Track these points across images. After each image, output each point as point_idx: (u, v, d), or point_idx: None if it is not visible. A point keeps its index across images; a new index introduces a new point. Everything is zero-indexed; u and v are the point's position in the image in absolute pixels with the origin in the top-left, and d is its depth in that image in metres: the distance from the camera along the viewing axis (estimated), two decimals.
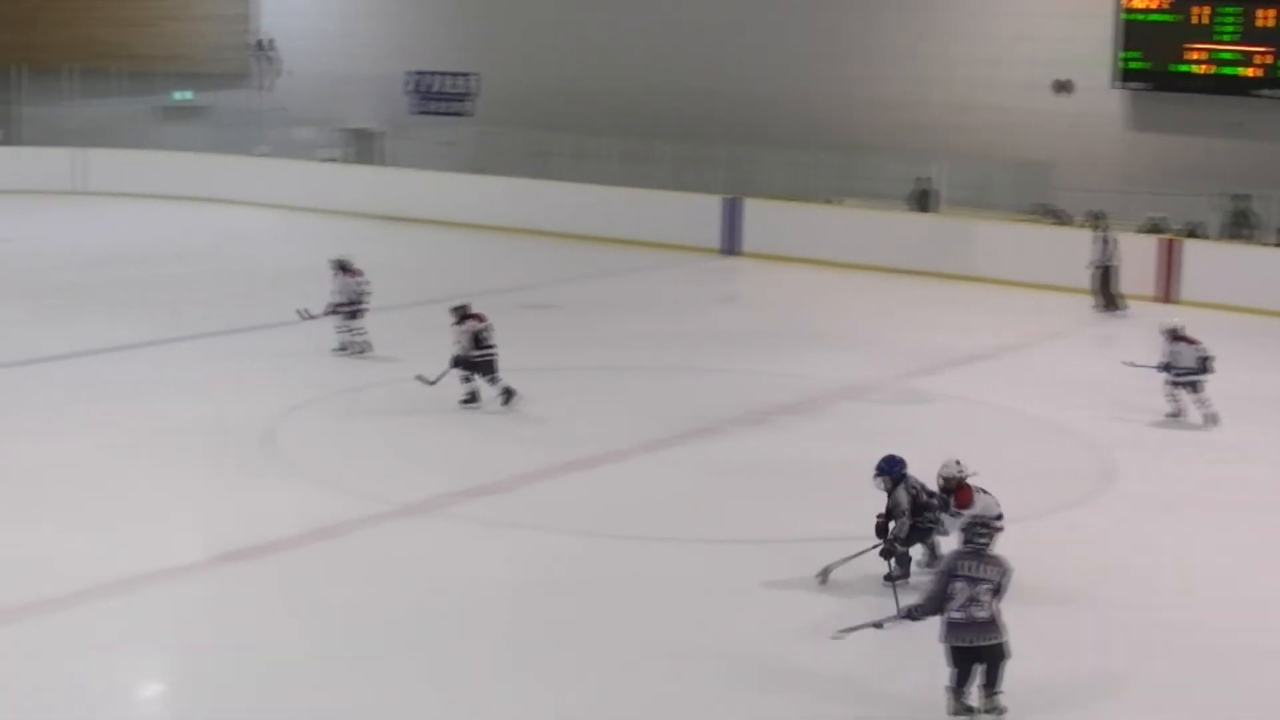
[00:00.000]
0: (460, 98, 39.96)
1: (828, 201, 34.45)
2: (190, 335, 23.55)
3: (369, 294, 22.96)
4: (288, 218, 37.62)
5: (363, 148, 40.94)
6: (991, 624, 11.05)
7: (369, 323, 23.04)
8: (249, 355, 22.74)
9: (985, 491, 13.94)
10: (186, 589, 13.93)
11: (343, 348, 22.85)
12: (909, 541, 13.96)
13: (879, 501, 13.89)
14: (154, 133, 42.03)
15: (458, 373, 20.01)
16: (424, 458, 18.11)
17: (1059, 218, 31.99)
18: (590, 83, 38.32)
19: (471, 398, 20.02)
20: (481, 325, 20.04)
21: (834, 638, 12.23)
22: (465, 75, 39.68)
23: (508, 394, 20.04)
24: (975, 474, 14.08)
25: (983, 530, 11.32)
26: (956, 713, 11.13)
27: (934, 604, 11.19)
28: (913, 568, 14.01)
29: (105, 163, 40.91)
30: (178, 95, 42.85)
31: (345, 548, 14.93)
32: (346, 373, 21.98)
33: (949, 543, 13.38)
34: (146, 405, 19.97)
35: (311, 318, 22.89)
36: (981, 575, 11.08)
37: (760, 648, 12.48)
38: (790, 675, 12.00)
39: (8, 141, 42.05)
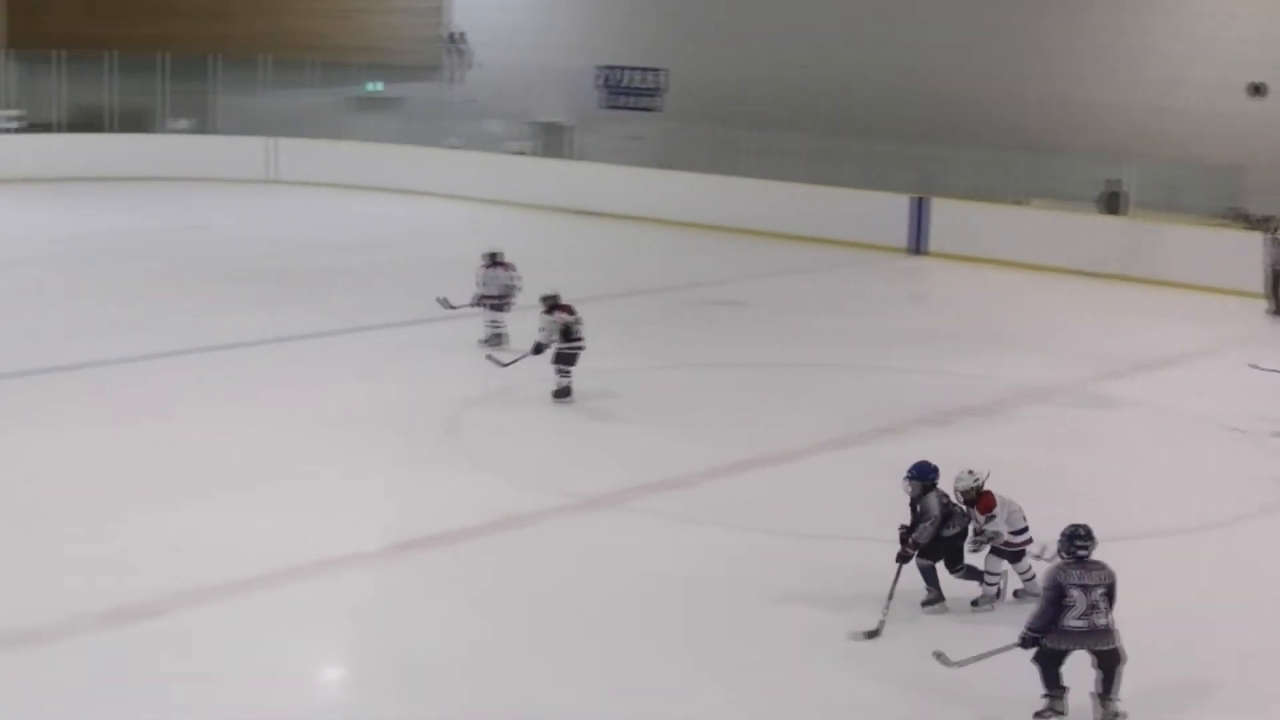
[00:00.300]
0: (650, 93, 40.15)
1: (1016, 202, 34.18)
2: (377, 324, 23.92)
3: (519, 289, 22.98)
4: (476, 210, 38.04)
5: (552, 141, 41.26)
6: (1109, 630, 11.13)
7: (511, 317, 23.03)
8: (435, 345, 23.02)
9: (1009, 501, 13.62)
10: (368, 576, 14.18)
11: (487, 340, 22.91)
12: (932, 554, 13.51)
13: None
14: (345, 123, 42.69)
15: (553, 366, 20.07)
16: (606, 451, 18.25)
17: (1250, 222, 31.47)
18: (780, 78, 38.31)
19: (565, 392, 20.08)
20: (571, 318, 20.04)
21: (942, 662, 11.90)
22: (655, 70, 39.86)
23: (565, 392, 20.03)
24: (986, 477, 13.58)
25: (1082, 541, 11.31)
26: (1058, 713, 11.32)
27: (1047, 621, 11.20)
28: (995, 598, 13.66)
29: (297, 152, 41.66)
30: (370, 86, 43.46)
31: (525, 539, 15.08)
32: (534, 365, 22.20)
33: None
34: (331, 392, 20.33)
35: (452, 308, 23.03)
36: (1093, 582, 11.15)
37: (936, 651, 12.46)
38: (958, 685, 11.96)
39: (203, 130, 42.94)
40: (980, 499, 13.56)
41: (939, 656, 11.89)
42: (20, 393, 20.25)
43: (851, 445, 18.69)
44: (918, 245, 33.84)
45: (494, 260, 23.16)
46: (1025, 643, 11.33)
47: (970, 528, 13.55)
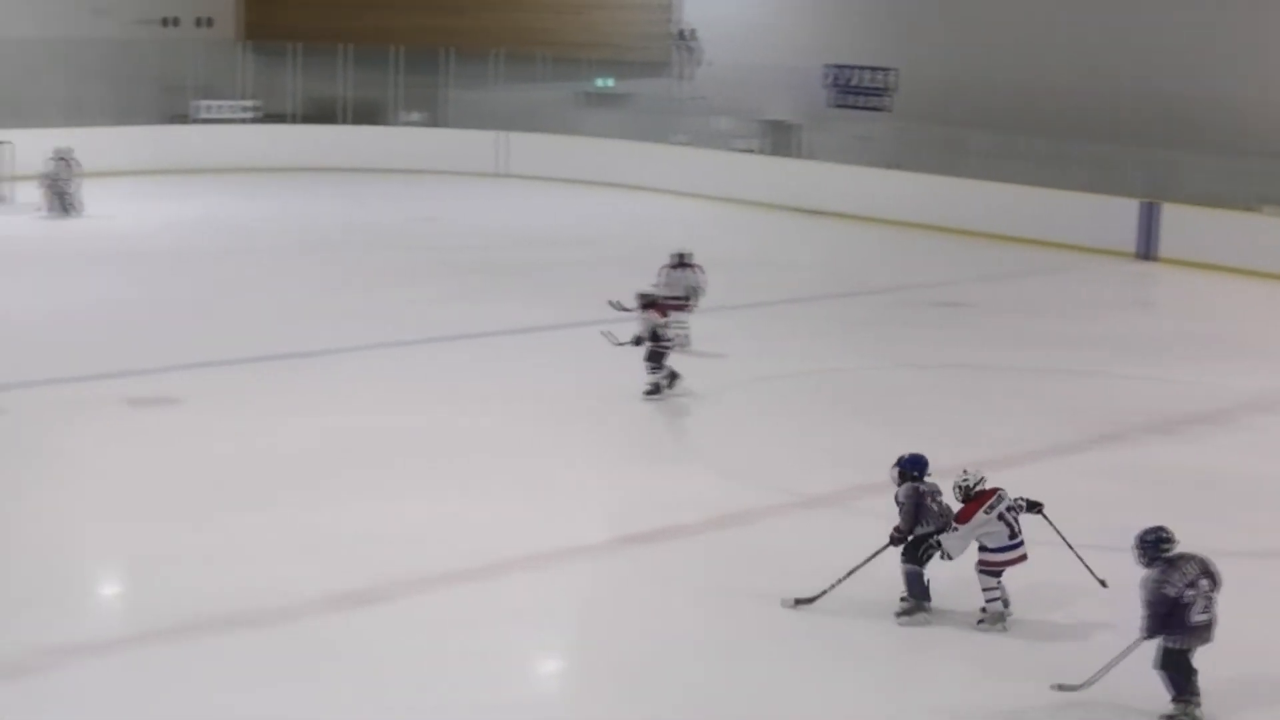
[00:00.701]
0: (878, 92, 40.10)
1: (1249, 208, 33.62)
2: (599, 319, 24.24)
3: (704, 290, 22.87)
4: (703, 207, 38.28)
5: (780, 139, 41.38)
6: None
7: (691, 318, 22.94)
8: None
9: (1004, 517, 13.17)
10: (588, 568, 14.47)
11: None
12: (913, 556, 13.37)
13: None
14: (575, 118, 43.16)
15: (646, 363, 20.20)
16: (825, 450, 18.39)
17: None
18: (1009, 80, 38.06)
19: (655, 389, 20.21)
20: (661, 320, 20.23)
21: (1066, 689, 11.87)
22: (884, 70, 39.81)
23: (655, 389, 20.15)
24: (978, 482, 13.32)
25: (1166, 544, 11.51)
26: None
27: (1161, 622, 11.34)
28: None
29: (526, 146, 42.23)
30: (600, 82, 43.91)
31: (745, 536, 15.28)
32: (761, 362, 22.39)
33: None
34: (552, 385, 20.71)
35: (626, 310, 22.97)
36: (1195, 573, 11.38)
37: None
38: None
39: (434, 123, 43.70)
40: (966, 504, 13.28)
41: (1061, 688, 11.84)
42: (252, 378, 20.91)
43: (1077, 451, 18.62)
44: (1147, 250, 33.45)
45: (681, 260, 23.01)
46: (1149, 633, 11.40)
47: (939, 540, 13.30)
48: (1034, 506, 13.40)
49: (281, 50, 43.92)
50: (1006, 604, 13.27)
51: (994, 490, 13.29)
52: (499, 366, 21.47)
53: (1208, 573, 11.40)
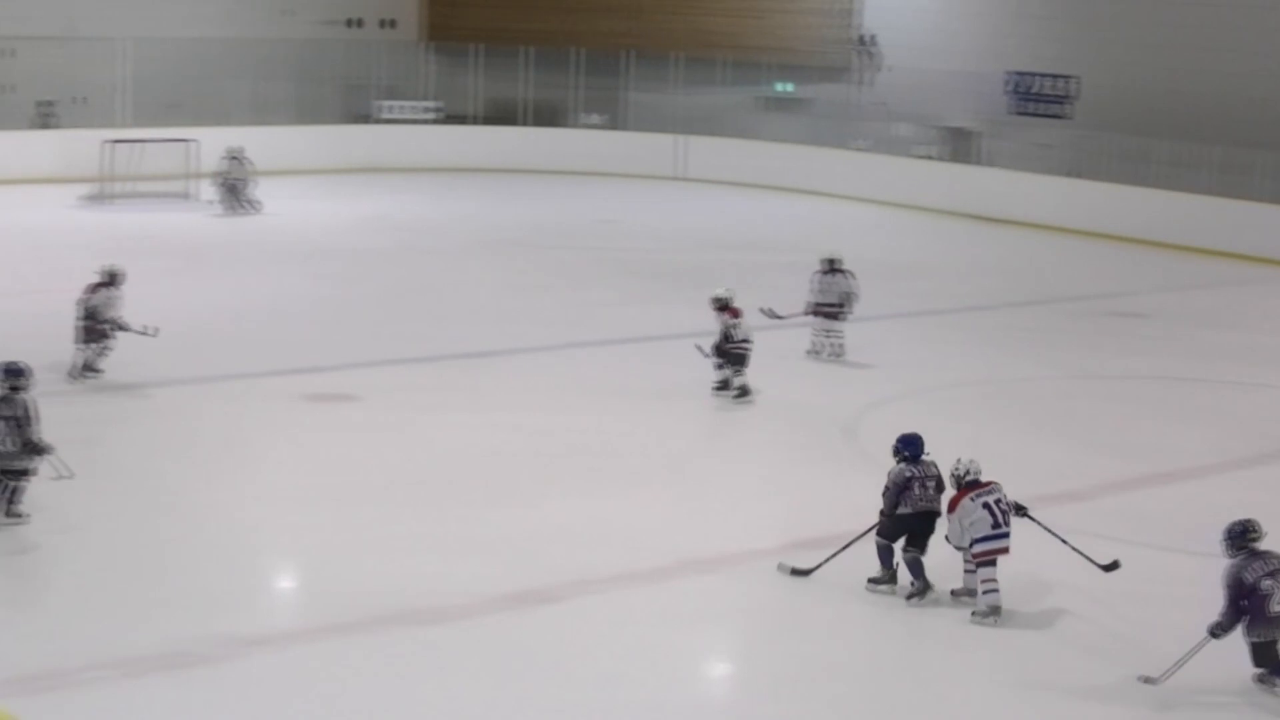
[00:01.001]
0: (1059, 100, 39.71)
1: None
2: (777, 325, 24.27)
3: (858, 296, 22.71)
4: (881, 213, 38.18)
5: (959, 146, 41.14)
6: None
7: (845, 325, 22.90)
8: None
9: (990, 507, 13.47)
10: (762, 573, 14.56)
11: (815, 349, 22.74)
12: (889, 534, 13.78)
13: None
14: (754, 123, 43.21)
15: (712, 360, 20.39)
16: (1001, 459, 18.25)
17: None
18: (1193, 87, 37.54)
19: (723, 385, 20.33)
20: (734, 322, 20.31)
21: (1145, 680, 12.14)
22: (1065, 78, 39.42)
23: (743, 391, 20.24)
24: (966, 473, 13.66)
25: (1253, 534, 11.97)
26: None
27: (1237, 611, 11.74)
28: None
29: (705, 150, 42.35)
30: (779, 87, 43.92)
31: None
32: (934, 370, 22.35)
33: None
34: (705, 385, 20.79)
35: (778, 317, 22.80)
36: (1277, 566, 11.79)
37: None
38: None
39: (614, 126, 43.95)
40: (957, 492, 13.63)
41: (1146, 680, 12.11)
42: (429, 377, 21.25)
43: (1251, 465, 18.44)
44: None
45: (832, 267, 22.78)
46: (1215, 633, 11.79)
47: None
48: (1020, 510, 13.76)
49: (463, 52, 44.44)
50: (998, 608, 13.41)
51: (988, 483, 13.61)
52: (676, 370, 21.60)
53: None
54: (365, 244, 30.93)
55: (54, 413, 16.04)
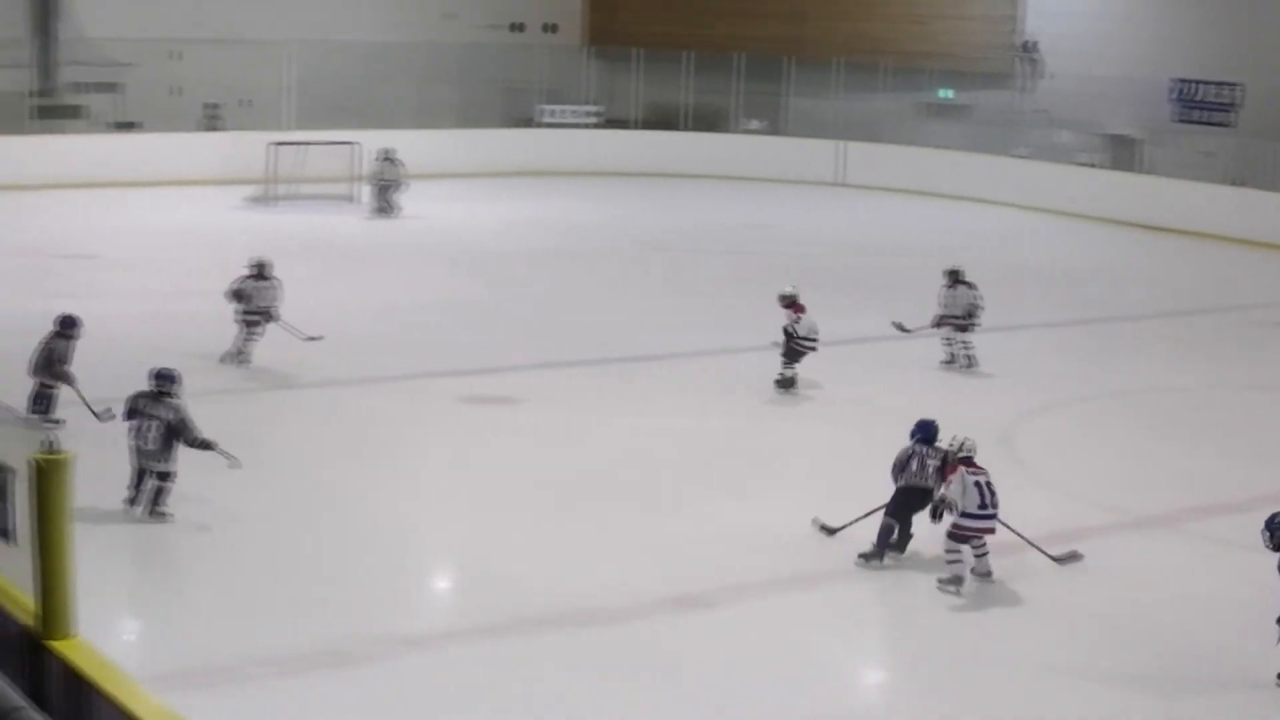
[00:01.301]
0: (1224, 108, 39.20)
1: None
2: (932, 332, 24.21)
3: (982, 308, 22.48)
4: (1042, 220, 37.89)
5: (1120, 154, 40.74)
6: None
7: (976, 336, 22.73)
8: (993, 354, 23.22)
9: (980, 486, 14.12)
10: (914, 580, 14.55)
11: (950, 360, 22.64)
12: (897, 509, 14.61)
13: None
14: (914, 129, 43.07)
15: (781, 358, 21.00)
16: (1159, 469, 18.19)
17: None
18: None
19: (787, 382, 20.90)
20: (796, 318, 20.90)
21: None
22: (1230, 85, 38.91)
23: (787, 383, 20.88)
24: (959, 449, 14.31)
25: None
26: None
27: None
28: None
29: (866, 156, 42.28)
30: (941, 94, 43.75)
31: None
32: (1093, 380, 22.18)
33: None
34: (876, 394, 20.87)
35: (906, 331, 22.69)
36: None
37: None
38: None
39: (774, 131, 44.02)
40: (947, 467, 14.31)
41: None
42: (587, 379, 21.42)
43: None
44: None
45: (956, 279, 22.66)
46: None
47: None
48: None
49: (624, 56, 44.70)
50: (962, 578, 14.07)
51: (981, 467, 14.27)
52: (832, 374, 21.60)
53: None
54: (524, 247, 31.20)
55: (215, 410, 16.41)
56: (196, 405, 15.71)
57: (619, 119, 44.39)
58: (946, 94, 43.59)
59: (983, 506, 14.07)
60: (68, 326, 17.82)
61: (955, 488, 14.11)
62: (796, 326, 20.77)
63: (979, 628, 13.49)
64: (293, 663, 12.17)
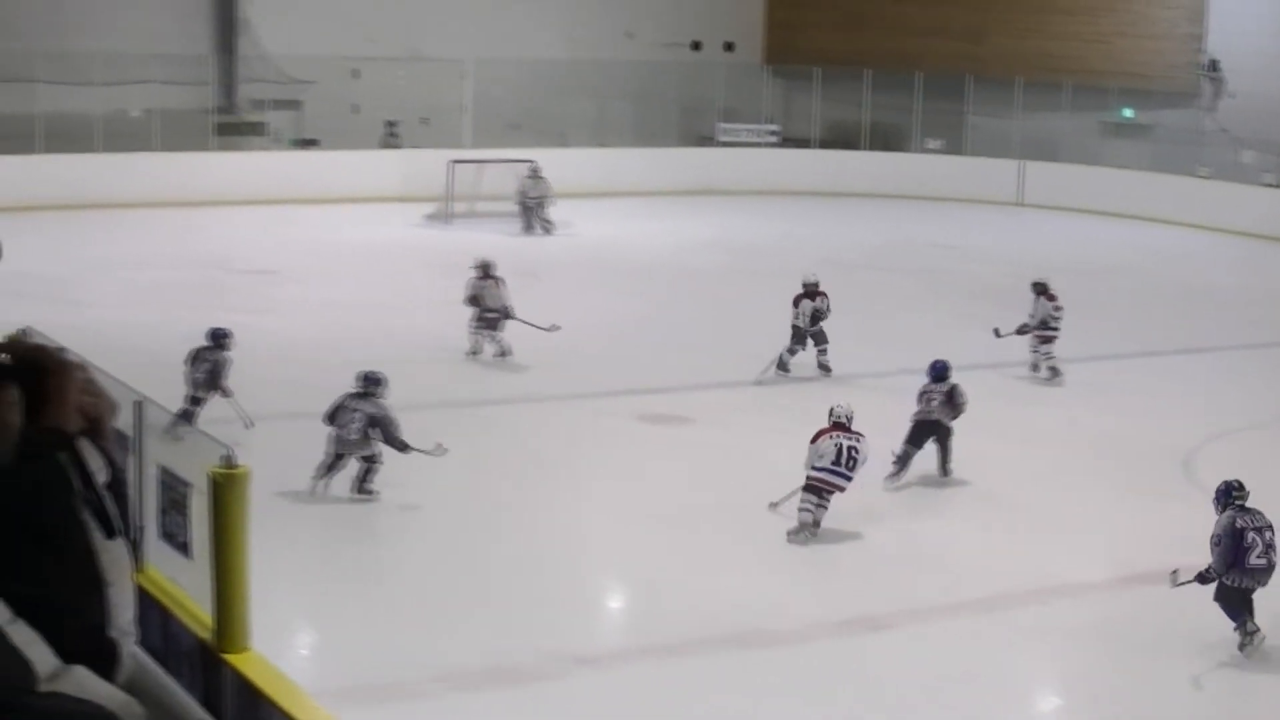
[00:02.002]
0: None
1: None
2: (1109, 354, 23.96)
3: (1059, 319, 22.89)
4: (1224, 241, 37.31)
5: None
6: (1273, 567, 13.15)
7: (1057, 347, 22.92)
8: (1172, 376, 22.84)
9: (840, 446, 15.71)
10: (1090, 607, 14.41)
11: (1034, 368, 23.08)
12: (916, 436, 17.85)
13: None
14: (1095, 148, 42.57)
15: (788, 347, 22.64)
16: None
17: None
18: None
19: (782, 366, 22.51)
20: (814, 305, 22.97)
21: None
22: None
23: (824, 369, 22.67)
24: (833, 415, 16.06)
25: (1238, 492, 13.42)
26: (1246, 645, 13.11)
27: (1229, 556, 13.05)
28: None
29: (1046, 176, 41.83)
30: (1123, 112, 43.22)
31: None
32: (1266, 407, 21.81)
33: None
34: (1059, 418, 20.69)
35: (1001, 337, 23.08)
36: (1262, 524, 13.16)
37: None
38: None
39: (954, 150, 43.69)
40: (825, 429, 16.03)
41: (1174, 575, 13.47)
42: (765, 400, 21.39)
43: None
44: None
45: (1041, 291, 23.21)
46: (1202, 579, 13.21)
47: None
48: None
49: (803, 74, 44.66)
50: (817, 524, 15.58)
51: (857, 433, 15.91)
52: (996, 397, 21.43)
53: (1272, 529, 13.20)
54: (698, 265, 31.23)
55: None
56: None
57: (797, 137, 44.33)
58: (1128, 113, 43.05)
59: (836, 463, 15.62)
60: (221, 339, 18.27)
61: (810, 455, 15.75)
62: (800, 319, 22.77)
63: (1156, 656, 13.24)
64: (466, 678, 12.26)
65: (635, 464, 18.28)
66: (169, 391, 14.74)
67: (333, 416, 16.37)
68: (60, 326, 13.80)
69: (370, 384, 16.55)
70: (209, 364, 18.01)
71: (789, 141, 44.19)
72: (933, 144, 43.85)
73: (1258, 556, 13.10)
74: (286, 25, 40.12)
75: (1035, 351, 23.09)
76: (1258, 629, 13.21)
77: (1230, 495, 13.48)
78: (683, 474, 17.77)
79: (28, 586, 2.17)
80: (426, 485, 16.10)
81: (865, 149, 43.88)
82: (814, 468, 15.66)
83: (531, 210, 34.73)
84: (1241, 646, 13.15)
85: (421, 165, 37.03)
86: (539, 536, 15.57)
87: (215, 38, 40.16)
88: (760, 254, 33.22)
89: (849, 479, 15.64)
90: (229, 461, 8.68)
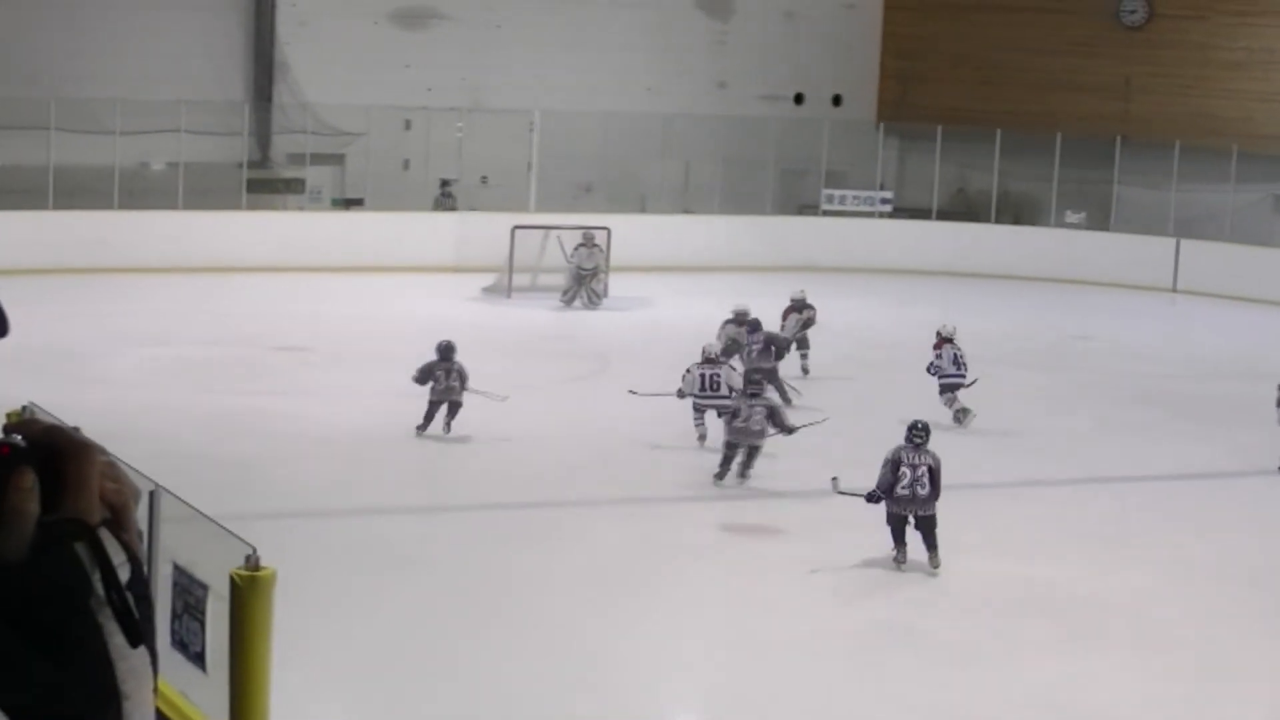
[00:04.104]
0: None
1: None
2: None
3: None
4: None
5: None
6: (928, 500, 18.15)
7: None
8: None
9: (703, 376, 23.56)
10: None
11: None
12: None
13: None
14: (1264, 226, 42.28)
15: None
16: None
17: None
18: None
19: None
20: (803, 317, 29.40)
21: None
22: None
23: (804, 371, 27.59)
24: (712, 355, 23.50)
25: (917, 432, 18.47)
26: (897, 561, 18.40)
27: (884, 487, 18.17)
28: None
29: (1207, 256, 41.45)
30: None
31: None
32: None
33: None
34: (1228, 544, 20.57)
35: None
36: (920, 461, 18.21)
37: None
38: None
39: (1098, 226, 43.42)
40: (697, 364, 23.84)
41: (834, 481, 18.84)
42: (876, 511, 21.28)
43: None
44: None
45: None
46: (869, 499, 18.31)
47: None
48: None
49: (922, 134, 44.58)
50: (703, 436, 23.19)
51: (722, 361, 24.38)
52: (1158, 514, 21.33)
53: (931, 469, 18.18)
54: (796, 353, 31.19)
55: (451, 529, 16.52)
56: (440, 519, 15.92)
57: (914, 207, 44.32)
58: None
59: (703, 389, 23.32)
60: (451, 350, 23.66)
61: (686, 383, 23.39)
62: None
63: None
64: None
65: (723, 580, 18.24)
66: (185, 480, 14.83)
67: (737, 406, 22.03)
68: (68, 405, 13.98)
69: (755, 384, 22.69)
70: (455, 371, 23.37)
71: (904, 212, 44.18)
72: (1073, 217, 43.70)
73: (903, 488, 18.08)
74: (329, 69, 40.49)
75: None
76: (902, 558, 18.26)
77: (909, 432, 18.48)
78: (779, 594, 17.67)
79: (34, 699, 2.19)
80: (487, 596, 16.16)
81: (993, 222, 43.82)
82: (694, 395, 23.42)
83: (583, 281, 34.88)
84: (895, 561, 18.30)
85: (479, 230, 37.28)
86: (613, 658, 15.58)
87: (249, 83, 40.60)
88: (872, 341, 33.16)
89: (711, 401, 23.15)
90: (253, 562, 8.76)
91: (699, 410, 23.32)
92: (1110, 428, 26.54)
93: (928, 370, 26.25)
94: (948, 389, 26.00)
